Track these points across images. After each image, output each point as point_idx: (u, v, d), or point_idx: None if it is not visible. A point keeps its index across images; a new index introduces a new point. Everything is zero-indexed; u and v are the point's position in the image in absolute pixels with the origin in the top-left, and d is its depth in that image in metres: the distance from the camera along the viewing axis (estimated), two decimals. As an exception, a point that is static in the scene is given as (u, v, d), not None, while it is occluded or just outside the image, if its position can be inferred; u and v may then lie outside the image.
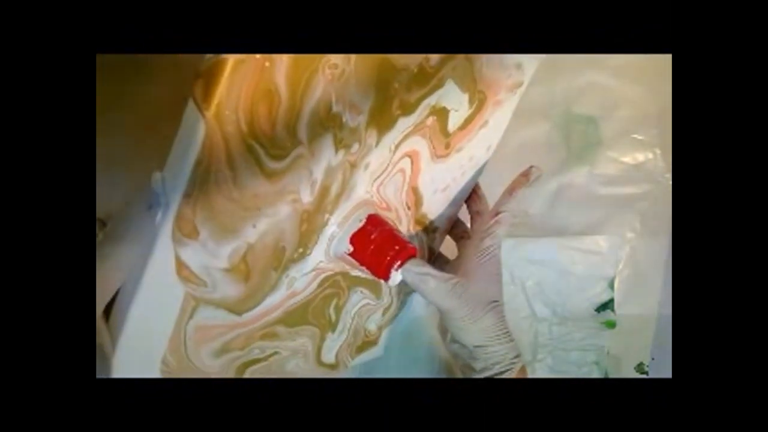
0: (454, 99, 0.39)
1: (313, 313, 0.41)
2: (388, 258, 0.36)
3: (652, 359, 0.52)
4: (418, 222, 0.44)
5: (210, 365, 0.38)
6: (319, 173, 0.35)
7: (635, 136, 0.59)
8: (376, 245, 0.37)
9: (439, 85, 0.38)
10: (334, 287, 0.41)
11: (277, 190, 0.34)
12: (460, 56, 0.38)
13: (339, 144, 0.35)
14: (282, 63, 0.30)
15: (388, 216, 0.40)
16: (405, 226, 0.42)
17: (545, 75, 0.52)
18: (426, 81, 0.37)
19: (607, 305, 0.57)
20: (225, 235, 0.32)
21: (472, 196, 0.45)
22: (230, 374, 0.40)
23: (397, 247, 0.37)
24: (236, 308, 0.36)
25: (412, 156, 0.40)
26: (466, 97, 0.40)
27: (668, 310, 0.56)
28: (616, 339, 0.54)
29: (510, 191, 0.40)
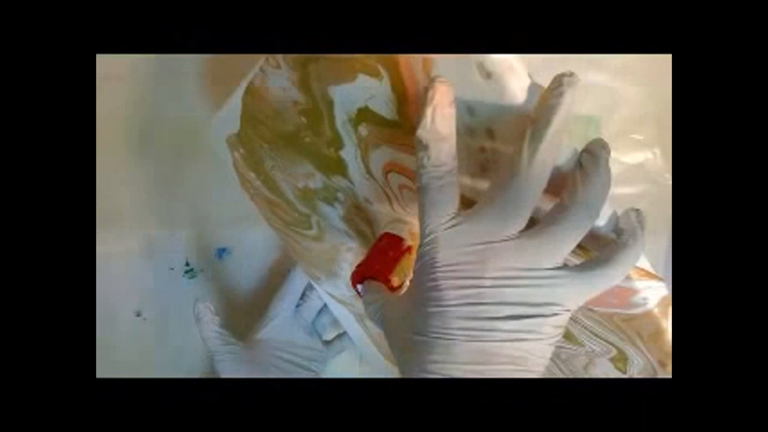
0: (353, 92, 0.31)
1: None
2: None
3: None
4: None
5: None
6: (340, 225, 0.40)
7: (635, 136, 0.59)
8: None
9: (328, 100, 0.33)
10: None
11: (330, 246, 0.42)
12: (297, 66, 0.33)
13: (327, 200, 0.39)
14: (260, 186, 0.43)
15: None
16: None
17: (544, 75, 0.52)
18: (317, 114, 0.34)
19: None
20: (330, 275, 0.44)
21: None
22: None
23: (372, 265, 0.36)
24: None
25: (394, 168, 0.34)
26: (363, 79, 0.30)
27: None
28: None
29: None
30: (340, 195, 0.38)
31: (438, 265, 0.24)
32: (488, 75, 0.24)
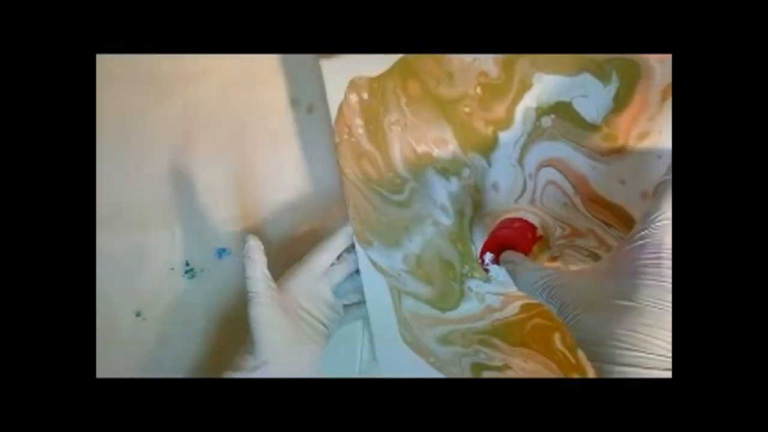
0: (563, 86, 0.32)
1: (532, 338, 0.41)
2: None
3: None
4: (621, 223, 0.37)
5: (440, 351, 0.45)
6: (444, 199, 0.41)
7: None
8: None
9: (526, 85, 0.34)
10: (543, 318, 0.40)
11: (413, 215, 0.43)
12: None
13: (445, 173, 0.40)
14: (361, 135, 0.43)
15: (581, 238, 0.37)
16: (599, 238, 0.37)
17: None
18: (502, 91, 0.34)
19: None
20: (390, 244, 0.45)
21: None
22: (466, 371, 0.45)
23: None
24: (436, 304, 0.45)
25: (555, 164, 0.35)
26: (585, 76, 0.31)
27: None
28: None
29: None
30: (465, 171, 0.39)
31: (665, 247, 0.26)
32: None
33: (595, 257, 0.36)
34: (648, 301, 0.26)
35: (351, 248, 0.48)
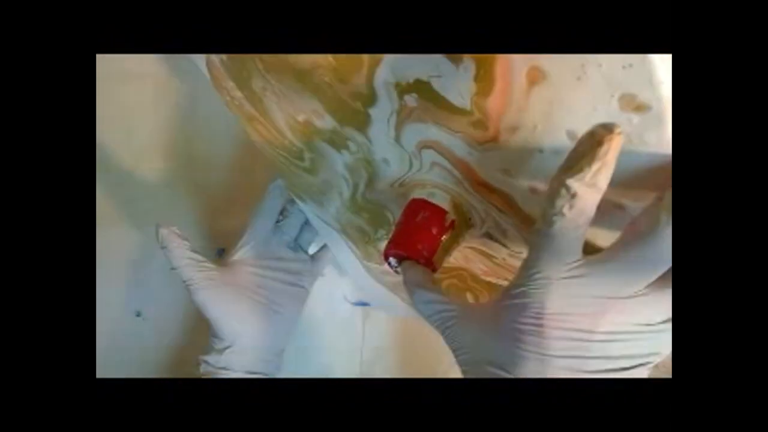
0: (415, 61, 0.28)
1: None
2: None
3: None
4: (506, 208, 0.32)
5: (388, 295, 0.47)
6: (342, 170, 0.37)
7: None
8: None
9: (377, 58, 0.29)
10: (458, 280, 0.40)
11: (323, 182, 0.40)
12: None
13: (335, 145, 0.36)
14: (241, 98, 0.39)
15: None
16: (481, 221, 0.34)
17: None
18: (352, 61, 0.30)
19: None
20: (318, 203, 0.42)
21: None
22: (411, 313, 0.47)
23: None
24: (365, 260, 0.45)
25: (434, 146, 0.31)
26: (437, 57, 0.27)
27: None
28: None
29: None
30: (351, 145, 0.35)
31: (546, 312, 0.23)
32: (637, 108, 0.21)
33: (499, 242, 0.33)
34: (529, 377, 0.23)
35: (292, 201, 0.45)
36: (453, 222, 0.32)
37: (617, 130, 0.21)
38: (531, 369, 0.23)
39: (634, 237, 0.22)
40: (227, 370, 0.41)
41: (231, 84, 0.39)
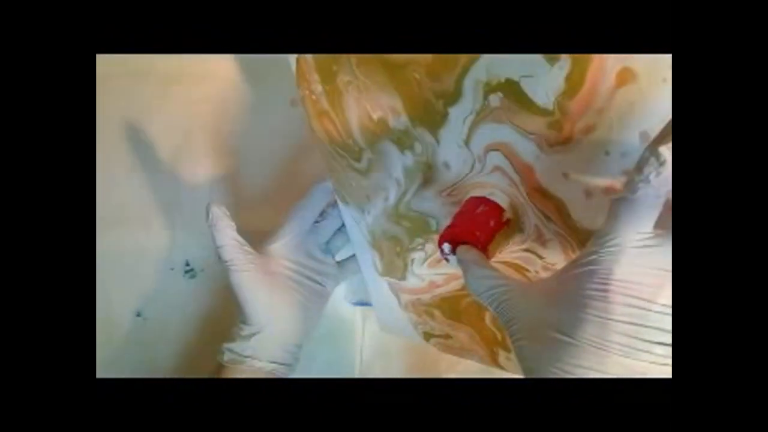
0: (512, 61, 0.29)
1: (467, 314, 0.42)
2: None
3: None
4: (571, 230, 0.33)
5: (404, 316, 0.47)
6: (399, 173, 0.38)
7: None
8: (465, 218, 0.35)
9: (475, 56, 0.30)
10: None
11: (373, 186, 0.40)
12: None
13: (401, 145, 0.37)
14: (321, 93, 0.39)
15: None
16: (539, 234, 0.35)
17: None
18: (451, 60, 0.31)
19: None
20: (359, 208, 0.43)
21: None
22: (419, 338, 0.47)
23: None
24: (386, 274, 0.46)
25: (502, 149, 0.32)
26: (534, 57, 0.27)
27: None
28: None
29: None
30: (417, 146, 0.36)
31: (613, 277, 0.24)
32: None
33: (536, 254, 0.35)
34: (589, 340, 0.24)
35: (334, 203, 0.46)
36: (509, 220, 0.34)
37: None
38: (591, 332, 0.24)
39: None
40: (252, 358, 0.41)
41: (315, 77, 0.39)
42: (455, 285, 0.41)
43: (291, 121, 0.50)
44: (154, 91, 0.52)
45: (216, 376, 0.42)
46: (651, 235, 0.24)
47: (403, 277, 0.44)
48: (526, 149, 0.31)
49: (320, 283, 0.46)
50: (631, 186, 0.23)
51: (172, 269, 0.52)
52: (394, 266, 0.44)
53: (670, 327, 0.23)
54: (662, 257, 0.23)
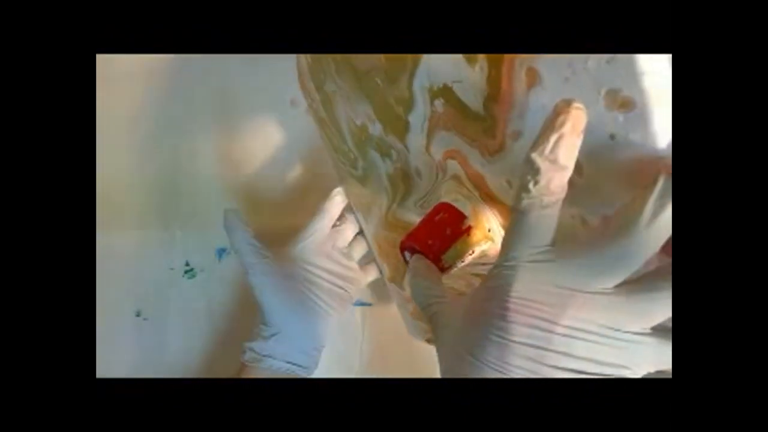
0: (444, 66, 0.28)
1: None
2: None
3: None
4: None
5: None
6: (385, 181, 0.38)
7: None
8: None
9: (416, 57, 0.30)
10: None
11: (371, 194, 0.40)
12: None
13: (381, 153, 0.37)
14: (318, 101, 0.39)
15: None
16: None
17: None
18: (400, 63, 0.31)
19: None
20: (364, 215, 0.44)
21: None
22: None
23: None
24: (391, 280, 0.47)
25: (456, 156, 0.31)
26: (458, 57, 0.27)
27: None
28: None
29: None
30: (393, 153, 0.36)
31: (512, 295, 0.22)
32: (622, 105, 0.21)
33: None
34: (490, 362, 0.23)
35: (351, 209, 0.47)
36: (469, 228, 0.33)
37: (576, 104, 0.21)
38: (493, 353, 0.23)
39: (608, 230, 0.21)
40: (271, 358, 0.42)
41: (311, 86, 0.40)
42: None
43: (291, 122, 0.50)
44: (154, 90, 0.52)
45: (237, 376, 0.42)
46: (547, 249, 0.23)
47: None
48: (473, 157, 0.30)
49: (342, 288, 0.46)
50: (515, 198, 0.22)
51: (172, 269, 0.52)
52: (399, 273, 0.44)
53: (580, 352, 0.22)
54: (563, 274, 0.22)
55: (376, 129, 0.36)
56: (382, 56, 0.32)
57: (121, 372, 0.51)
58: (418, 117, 0.32)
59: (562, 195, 0.22)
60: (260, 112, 0.51)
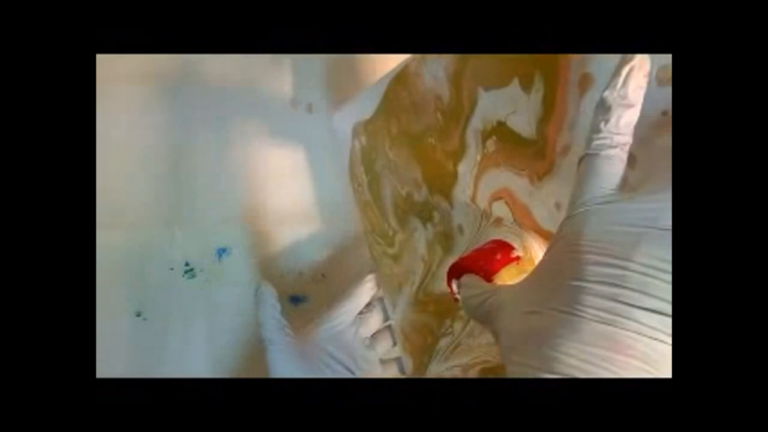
0: (499, 101, 0.30)
1: None
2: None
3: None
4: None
5: None
6: (422, 249, 0.39)
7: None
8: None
9: (473, 102, 0.31)
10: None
11: (404, 271, 0.41)
12: (457, 58, 0.32)
13: (423, 218, 0.38)
14: (364, 183, 0.42)
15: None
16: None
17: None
18: (455, 114, 0.32)
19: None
20: (393, 300, 0.45)
21: None
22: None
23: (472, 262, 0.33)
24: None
25: (503, 195, 0.32)
26: (515, 87, 0.28)
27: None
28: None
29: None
30: (436, 215, 0.37)
31: (584, 238, 0.22)
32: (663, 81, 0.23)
33: None
34: (565, 307, 0.22)
35: (380, 299, 0.46)
36: (518, 257, 0.33)
37: (643, 56, 0.22)
38: (561, 300, 0.22)
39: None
40: None
41: (361, 169, 0.42)
42: (472, 374, 0.41)
43: (291, 122, 0.50)
44: (154, 91, 0.52)
45: None
46: (616, 192, 0.23)
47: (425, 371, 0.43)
48: (521, 187, 0.31)
49: (352, 371, 0.45)
50: (587, 142, 0.23)
51: (172, 269, 0.52)
52: (423, 363, 0.43)
53: (656, 291, 0.21)
54: (632, 213, 0.21)
55: (421, 194, 0.37)
56: (438, 113, 0.34)
57: (121, 372, 0.51)
58: (467, 164, 0.33)
59: (630, 138, 0.23)
60: (260, 112, 0.51)
